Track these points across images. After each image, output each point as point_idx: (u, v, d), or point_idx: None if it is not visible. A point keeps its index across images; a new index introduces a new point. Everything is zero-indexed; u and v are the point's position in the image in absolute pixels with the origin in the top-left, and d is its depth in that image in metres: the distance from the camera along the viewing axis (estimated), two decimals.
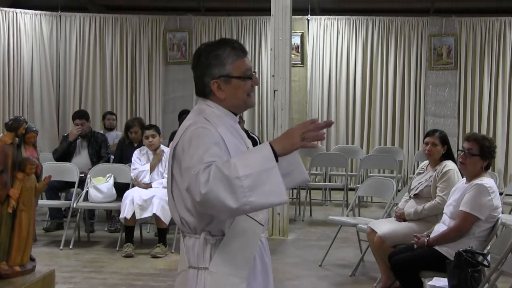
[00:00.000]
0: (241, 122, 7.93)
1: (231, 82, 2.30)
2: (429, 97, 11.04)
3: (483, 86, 10.98)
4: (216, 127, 2.25)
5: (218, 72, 2.30)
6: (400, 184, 9.21)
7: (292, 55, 9.05)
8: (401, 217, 5.12)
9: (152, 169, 6.65)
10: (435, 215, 4.89)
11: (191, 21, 11.34)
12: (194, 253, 2.27)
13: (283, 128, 7.23)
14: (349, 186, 9.01)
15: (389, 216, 5.86)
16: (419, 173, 5.27)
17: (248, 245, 2.25)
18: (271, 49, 7.38)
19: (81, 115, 7.74)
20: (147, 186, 6.58)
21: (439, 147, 5.09)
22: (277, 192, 2.09)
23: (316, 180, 10.66)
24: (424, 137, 5.26)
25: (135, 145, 7.34)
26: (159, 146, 6.72)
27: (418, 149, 10.65)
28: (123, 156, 7.36)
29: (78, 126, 7.52)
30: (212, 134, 2.21)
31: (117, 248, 6.55)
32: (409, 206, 5.12)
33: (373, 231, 5.12)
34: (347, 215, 6.90)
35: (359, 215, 7.94)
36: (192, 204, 2.19)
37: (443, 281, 4.18)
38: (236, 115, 2.38)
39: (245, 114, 10.66)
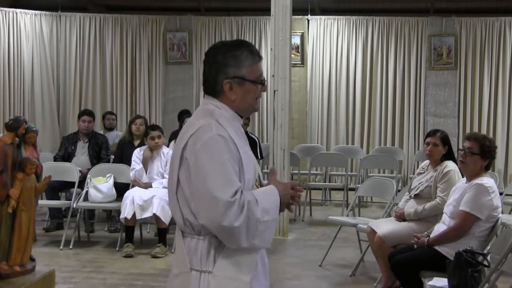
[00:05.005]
0: (247, 124, 7.95)
1: (244, 85, 2.29)
2: (429, 97, 11.04)
3: (483, 86, 10.98)
4: (231, 133, 2.23)
5: (233, 73, 2.28)
6: (400, 184, 9.22)
7: (292, 55, 9.05)
8: (401, 217, 5.12)
9: (144, 165, 6.63)
10: (435, 215, 4.88)
11: (191, 21, 11.34)
12: (197, 255, 2.24)
13: (283, 128, 7.22)
14: (349, 186, 9.01)
15: (389, 216, 5.86)
16: (420, 173, 5.27)
17: (249, 251, 2.24)
18: (271, 49, 7.38)
19: (90, 112, 8.03)
20: (147, 185, 6.59)
21: (440, 148, 5.09)
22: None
23: (316, 180, 10.66)
24: (425, 137, 5.26)
25: (135, 144, 7.34)
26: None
27: (418, 149, 10.66)
28: (123, 156, 7.36)
29: (85, 124, 7.66)
30: (229, 146, 2.19)
31: (117, 248, 6.55)
32: (409, 206, 5.12)
33: (373, 231, 5.12)
34: (347, 215, 6.90)
35: (359, 215, 7.93)
36: (200, 218, 2.20)
37: (443, 281, 4.18)
38: (241, 117, 2.38)
39: None
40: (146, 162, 6.66)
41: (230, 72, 2.28)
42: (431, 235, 4.43)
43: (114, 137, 8.58)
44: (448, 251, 4.23)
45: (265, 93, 10.99)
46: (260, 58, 2.34)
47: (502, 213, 4.91)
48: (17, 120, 4.14)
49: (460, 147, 4.61)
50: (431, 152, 5.08)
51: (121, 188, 6.86)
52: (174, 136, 7.97)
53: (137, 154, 6.79)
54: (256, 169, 2.33)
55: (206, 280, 2.22)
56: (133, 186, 6.74)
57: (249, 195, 2.16)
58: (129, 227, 6.44)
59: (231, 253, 2.21)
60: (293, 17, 8.21)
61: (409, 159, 10.98)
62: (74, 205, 6.84)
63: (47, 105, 11.16)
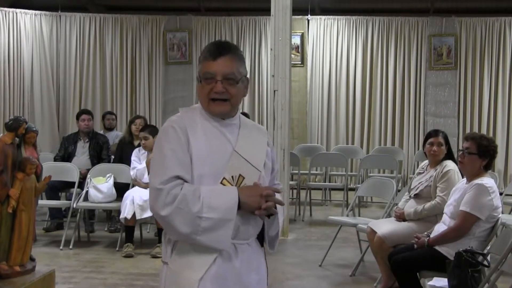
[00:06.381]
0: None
1: (199, 82, 2.32)
2: (429, 97, 11.04)
3: (483, 86, 10.99)
4: (191, 125, 2.25)
5: (198, 71, 2.34)
6: (400, 184, 9.22)
7: (292, 55, 9.05)
8: (400, 217, 5.12)
9: (148, 166, 6.64)
10: (435, 215, 4.88)
11: (191, 21, 11.34)
12: (163, 247, 2.36)
13: (283, 128, 7.22)
14: (349, 186, 9.01)
15: (389, 216, 5.86)
16: (419, 173, 5.27)
17: (205, 249, 2.21)
18: (271, 49, 7.38)
19: (88, 111, 8.03)
20: (147, 185, 6.58)
21: (444, 147, 5.10)
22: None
23: (316, 180, 10.66)
24: (426, 138, 5.24)
25: (135, 144, 7.34)
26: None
27: (418, 149, 10.65)
28: (123, 156, 7.37)
29: (85, 122, 7.65)
30: (177, 136, 2.22)
31: (117, 248, 6.55)
32: (409, 206, 5.12)
33: (373, 231, 5.12)
34: (347, 215, 6.90)
35: (359, 215, 7.94)
36: None
37: (443, 281, 4.19)
38: (223, 119, 2.32)
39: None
40: (149, 164, 6.65)
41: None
42: (431, 235, 4.42)
43: (114, 137, 8.58)
44: (448, 251, 4.23)
45: (264, 93, 11.07)
46: (212, 55, 2.26)
47: (502, 213, 4.90)
48: (17, 120, 4.14)
49: (460, 147, 4.61)
50: (437, 152, 5.07)
51: (121, 188, 6.86)
52: None
53: (137, 154, 6.79)
54: (233, 168, 2.25)
55: (165, 271, 2.30)
56: (133, 186, 6.74)
57: (189, 188, 2.16)
58: (129, 227, 6.44)
59: (186, 248, 2.24)
60: (293, 17, 8.21)
61: (409, 159, 10.98)
62: (74, 205, 6.84)
63: (46, 105, 11.16)
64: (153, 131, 6.73)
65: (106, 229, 7.59)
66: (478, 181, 4.28)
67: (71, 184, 7.14)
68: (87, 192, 6.89)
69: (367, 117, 11.28)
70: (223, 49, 2.27)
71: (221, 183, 2.23)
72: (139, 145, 7.13)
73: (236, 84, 2.28)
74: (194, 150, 2.22)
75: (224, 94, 2.26)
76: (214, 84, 2.25)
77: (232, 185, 2.24)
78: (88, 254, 6.42)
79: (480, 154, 4.34)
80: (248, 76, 2.39)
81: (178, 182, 2.17)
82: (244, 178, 2.26)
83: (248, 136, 2.35)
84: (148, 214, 6.32)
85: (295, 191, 8.89)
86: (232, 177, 2.25)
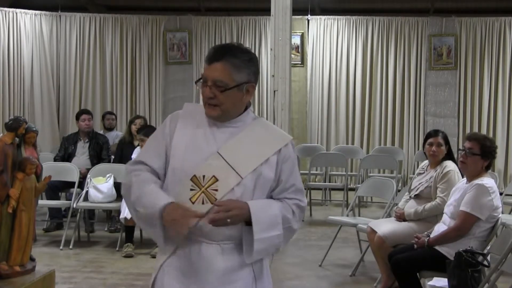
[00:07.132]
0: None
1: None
2: (429, 97, 11.04)
3: (483, 86, 10.98)
4: (185, 119, 2.36)
5: None
6: (400, 184, 9.21)
7: (292, 55, 9.05)
8: (401, 217, 5.12)
9: None
10: (435, 215, 4.88)
11: (191, 21, 11.34)
12: None
13: (283, 128, 7.22)
14: (349, 186, 9.01)
15: (389, 216, 5.86)
16: (420, 173, 5.27)
17: (171, 240, 2.27)
18: (271, 49, 7.37)
19: (87, 111, 8.03)
20: None
21: (443, 148, 5.09)
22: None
23: (316, 180, 10.66)
24: (426, 138, 5.24)
25: (135, 144, 7.34)
26: None
27: (418, 149, 10.65)
28: (123, 156, 7.36)
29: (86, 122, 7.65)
30: (163, 129, 2.41)
31: (117, 248, 6.55)
32: (409, 206, 5.12)
33: (373, 231, 5.12)
34: (347, 215, 6.90)
35: (359, 215, 7.93)
36: None
37: (443, 281, 4.19)
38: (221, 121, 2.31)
39: None
40: None
41: None
42: (431, 235, 4.43)
43: (114, 137, 8.58)
44: (448, 251, 4.23)
45: (264, 93, 11.06)
46: (209, 60, 2.26)
47: (502, 213, 4.90)
48: (17, 120, 4.14)
49: (461, 147, 4.61)
50: (436, 152, 5.07)
51: (121, 188, 6.85)
52: None
53: (138, 152, 6.76)
54: (208, 168, 2.23)
55: None
56: None
57: (143, 178, 2.29)
58: (129, 227, 6.44)
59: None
60: (293, 17, 8.20)
61: (409, 159, 10.98)
62: (74, 205, 6.84)
63: (47, 105, 11.15)
64: (148, 132, 6.64)
65: (106, 229, 7.59)
66: (478, 181, 4.28)
67: (71, 184, 7.14)
68: (87, 192, 6.89)
69: (367, 117, 11.28)
70: (217, 55, 2.25)
71: (190, 179, 2.24)
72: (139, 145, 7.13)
73: (225, 91, 2.23)
74: (174, 143, 2.32)
75: (212, 100, 2.26)
76: (205, 88, 2.27)
77: (201, 184, 2.23)
78: (88, 254, 6.42)
79: (483, 155, 4.34)
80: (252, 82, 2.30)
81: (139, 167, 2.33)
82: (217, 180, 2.22)
83: (245, 141, 2.29)
84: None
85: None
86: (203, 176, 2.23)
